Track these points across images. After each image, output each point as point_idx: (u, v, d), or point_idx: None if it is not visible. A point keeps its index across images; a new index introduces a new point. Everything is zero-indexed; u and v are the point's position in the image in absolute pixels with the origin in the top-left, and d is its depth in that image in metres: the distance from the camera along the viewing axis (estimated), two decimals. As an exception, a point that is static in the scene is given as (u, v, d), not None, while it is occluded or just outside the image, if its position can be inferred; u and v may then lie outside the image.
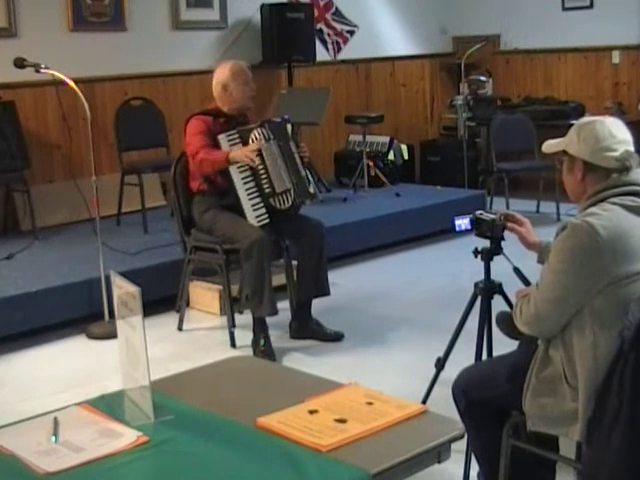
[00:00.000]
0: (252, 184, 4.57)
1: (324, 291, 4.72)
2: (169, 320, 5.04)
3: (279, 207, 4.61)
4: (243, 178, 4.56)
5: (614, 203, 2.41)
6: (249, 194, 4.56)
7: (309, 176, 4.84)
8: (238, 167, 4.54)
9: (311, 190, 4.79)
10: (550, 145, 2.65)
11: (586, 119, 2.58)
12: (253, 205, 4.56)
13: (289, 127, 4.78)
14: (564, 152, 2.57)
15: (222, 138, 4.54)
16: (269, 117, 4.91)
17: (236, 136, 4.59)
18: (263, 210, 4.57)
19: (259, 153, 4.51)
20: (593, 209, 2.42)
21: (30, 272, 5.20)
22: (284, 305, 4.88)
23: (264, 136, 4.62)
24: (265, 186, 4.58)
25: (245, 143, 4.57)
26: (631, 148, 2.47)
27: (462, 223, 3.19)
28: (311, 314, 4.76)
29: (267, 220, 4.55)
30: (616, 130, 2.48)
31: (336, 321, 4.84)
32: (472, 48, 7.95)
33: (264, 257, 4.40)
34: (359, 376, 2.98)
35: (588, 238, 2.34)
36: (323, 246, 4.67)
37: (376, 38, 8.74)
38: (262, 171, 4.58)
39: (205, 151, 4.53)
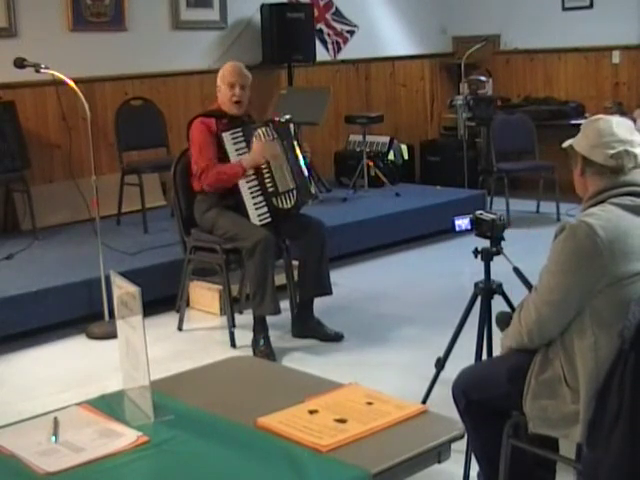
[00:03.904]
0: (255, 182, 4.57)
1: (326, 290, 4.71)
2: (169, 320, 5.03)
3: (282, 207, 4.61)
4: (247, 176, 4.56)
5: (613, 203, 2.41)
6: (252, 192, 4.56)
7: (311, 176, 4.84)
8: None
9: (312, 190, 4.79)
10: (567, 142, 2.64)
11: (595, 117, 2.58)
12: (255, 204, 4.55)
13: (292, 127, 4.77)
14: (572, 148, 2.57)
15: (226, 136, 4.52)
16: (273, 117, 4.90)
17: (240, 134, 4.57)
18: (265, 209, 4.56)
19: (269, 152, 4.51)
20: (592, 210, 2.43)
21: (30, 272, 5.20)
22: (284, 305, 4.88)
23: (268, 135, 4.62)
24: (268, 185, 4.58)
25: (249, 142, 4.57)
26: (633, 149, 2.46)
27: (462, 223, 3.19)
28: (313, 313, 4.76)
29: (269, 219, 4.55)
30: (618, 129, 2.48)
31: (336, 321, 4.84)
32: (472, 48, 7.95)
33: (267, 256, 4.40)
34: (359, 376, 2.98)
35: (587, 239, 2.34)
36: (325, 245, 4.67)
37: (376, 38, 8.74)
38: (266, 170, 4.58)
39: (216, 170, 4.50)
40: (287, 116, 4.79)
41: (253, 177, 4.57)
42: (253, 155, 4.51)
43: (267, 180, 4.58)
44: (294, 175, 4.66)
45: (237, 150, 4.55)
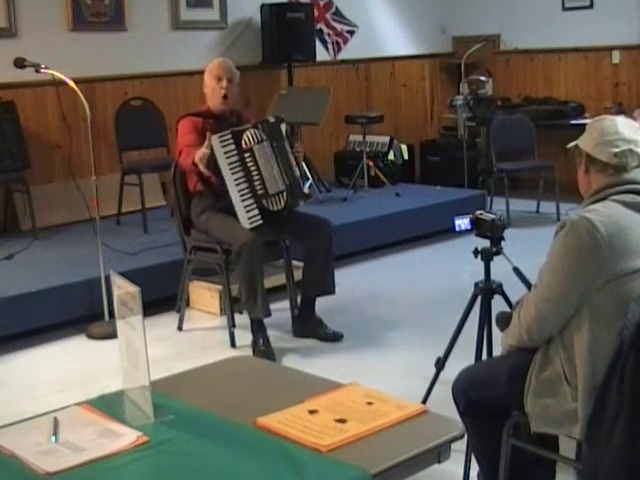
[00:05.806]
0: (245, 185, 4.54)
1: (329, 290, 4.71)
2: (169, 320, 5.03)
3: (272, 208, 4.59)
4: (236, 179, 4.53)
5: (614, 200, 2.42)
6: (242, 195, 4.53)
7: (305, 174, 4.81)
8: (231, 168, 4.51)
9: (305, 190, 4.77)
10: (571, 143, 2.64)
11: (601, 116, 2.59)
12: (246, 206, 4.52)
13: (283, 127, 4.74)
14: (576, 146, 2.58)
15: (214, 139, 4.46)
16: (264, 117, 4.88)
17: (229, 136, 4.54)
18: (256, 211, 4.54)
19: (210, 159, 4.42)
20: (593, 206, 2.43)
21: (30, 272, 5.20)
22: (284, 305, 4.89)
23: (257, 137, 4.59)
24: (258, 187, 4.56)
25: (238, 144, 4.54)
26: (637, 148, 2.46)
27: (462, 223, 3.19)
28: (314, 312, 4.75)
29: (260, 222, 4.53)
30: (623, 128, 2.48)
31: (336, 321, 4.83)
32: (472, 48, 7.96)
33: (254, 260, 4.38)
34: (359, 376, 2.98)
35: (587, 234, 2.34)
36: (331, 245, 4.67)
37: (376, 38, 8.74)
38: (255, 173, 4.57)
39: (182, 157, 4.54)
40: (273, 119, 4.73)
41: (243, 179, 4.54)
42: (199, 153, 4.42)
43: (256, 182, 4.56)
44: (284, 176, 4.64)
45: (226, 153, 4.50)
